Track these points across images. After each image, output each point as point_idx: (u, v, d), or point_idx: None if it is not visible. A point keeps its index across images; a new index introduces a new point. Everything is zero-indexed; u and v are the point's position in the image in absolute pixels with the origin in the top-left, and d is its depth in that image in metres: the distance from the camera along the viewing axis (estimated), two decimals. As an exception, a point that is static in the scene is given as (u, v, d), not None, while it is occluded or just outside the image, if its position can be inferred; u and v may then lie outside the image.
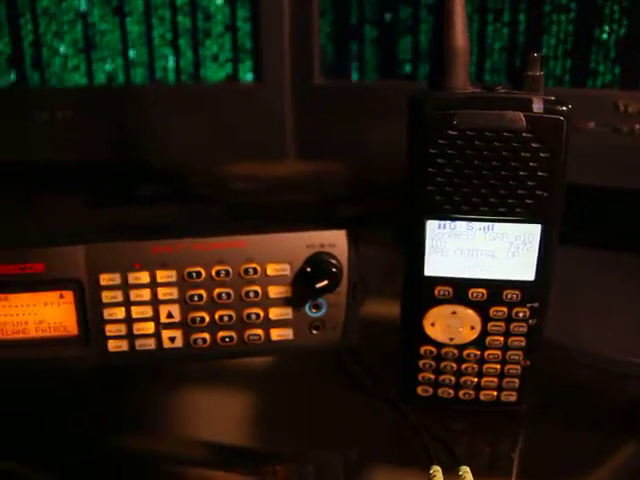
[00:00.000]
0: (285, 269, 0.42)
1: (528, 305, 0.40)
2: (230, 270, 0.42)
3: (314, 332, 0.43)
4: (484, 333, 0.40)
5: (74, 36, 0.60)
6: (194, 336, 0.42)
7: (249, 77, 0.60)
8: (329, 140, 0.61)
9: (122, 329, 0.42)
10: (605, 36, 0.50)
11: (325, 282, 0.41)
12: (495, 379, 0.42)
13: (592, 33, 0.50)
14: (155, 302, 0.42)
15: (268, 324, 0.42)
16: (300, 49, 0.59)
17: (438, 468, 0.37)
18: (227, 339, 0.43)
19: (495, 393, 0.42)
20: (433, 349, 0.41)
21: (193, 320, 0.42)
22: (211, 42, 0.60)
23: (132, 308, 0.42)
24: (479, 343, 0.41)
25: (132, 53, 0.60)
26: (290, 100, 0.60)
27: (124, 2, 0.59)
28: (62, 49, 0.60)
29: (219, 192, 0.70)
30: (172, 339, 0.42)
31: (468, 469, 0.37)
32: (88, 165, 0.62)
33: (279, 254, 0.42)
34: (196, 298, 0.42)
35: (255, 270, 0.42)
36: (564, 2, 0.50)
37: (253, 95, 0.60)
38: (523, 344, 0.40)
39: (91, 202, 0.68)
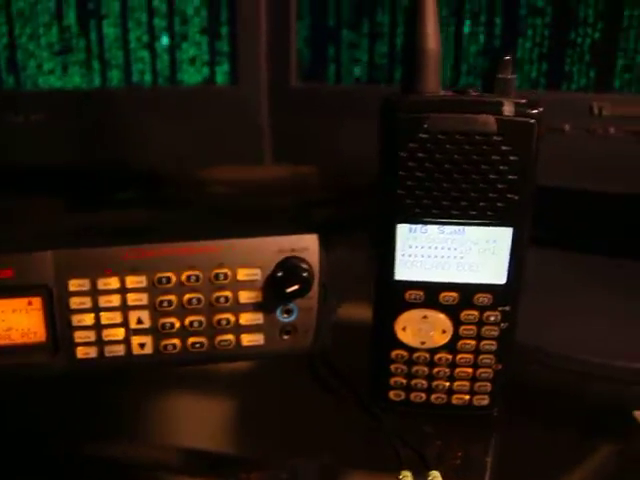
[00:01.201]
0: (256, 274, 0.41)
1: (499, 309, 0.39)
2: (200, 275, 0.41)
3: (285, 337, 0.43)
4: (455, 337, 0.40)
5: (50, 39, 0.59)
6: (164, 342, 0.42)
7: (226, 80, 0.60)
8: (306, 144, 0.60)
9: (91, 336, 0.41)
10: (580, 39, 0.50)
11: (296, 287, 0.40)
12: (467, 383, 0.41)
13: (567, 36, 0.50)
14: (125, 308, 0.41)
15: (239, 329, 0.42)
16: (277, 52, 0.59)
17: (408, 473, 0.37)
18: (197, 345, 0.42)
19: (467, 397, 0.42)
20: (405, 353, 0.41)
21: (163, 326, 0.42)
22: (188, 45, 0.60)
23: (101, 314, 0.41)
24: (451, 347, 0.40)
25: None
26: (267, 103, 0.60)
27: (100, 5, 0.59)
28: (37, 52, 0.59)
29: (196, 196, 0.70)
30: (142, 345, 0.42)
31: (438, 473, 0.37)
32: (63, 169, 0.61)
33: (250, 259, 0.41)
34: (166, 304, 0.41)
35: (226, 275, 0.41)
36: (540, 5, 0.51)
37: (230, 98, 0.60)
38: (495, 348, 0.40)
39: (66, 206, 0.67)
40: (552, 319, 0.51)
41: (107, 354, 0.42)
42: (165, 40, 0.59)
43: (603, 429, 0.42)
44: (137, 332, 0.42)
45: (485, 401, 0.42)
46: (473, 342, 0.40)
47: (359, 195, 0.64)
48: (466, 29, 0.53)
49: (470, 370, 0.41)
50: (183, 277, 0.41)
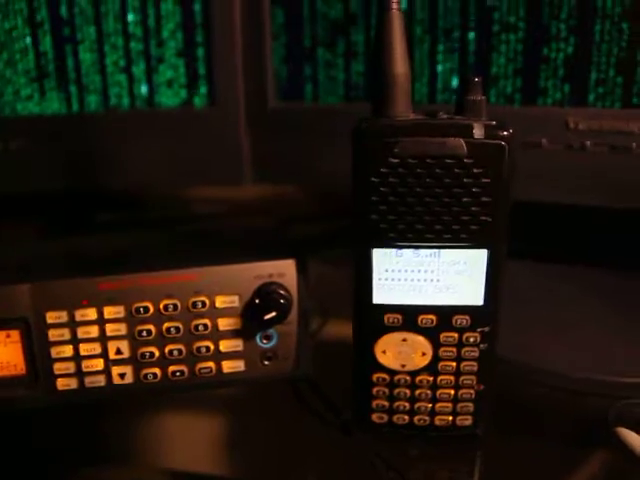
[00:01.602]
0: (234, 301, 0.41)
1: (478, 330, 0.39)
2: (178, 304, 0.41)
3: (266, 363, 0.43)
4: (436, 359, 0.40)
5: (26, 65, 0.59)
6: (144, 371, 0.42)
7: (204, 102, 0.60)
8: (286, 163, 0.60)
9: (70, 367, 0.41)
10: (553, 54, 0.50)
11: (273, 314, 0.40)
12: (449, 404, 0.41)
13: (540, 52, 0.51)
14: (103, 339, 0.41)
15: (219, 357, 0.42)
16: (253, 73, 0.59)
17: (391, 498, 0.37)
18: (178, 373, 0.42)
19: (450, 418, 0.42)
20: (386, 376, 0.41)
21: (143, 355, 0.42)
22: (165, 68, 0.60)
23: (80, 345, 0.41)
24: (431, 369, 0.40)
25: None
26: (245, 124, 0.60)
27: (76, 30, 0.59)
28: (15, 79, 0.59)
29: (176, 218, 0.70)
30: (122, 375, 0.42)
31: (421, 499, 0.37)
32: (43, 195, 0.61)
33: (228, 286, 0.41)
34: (145, 333, 0.41)
35: (204, 303, 0.41)
36: (512, 22, 0.51)
37: (208, 120, 0.60)
38: (475, 369, 0.40)
39: (46, 232, 0.67)
40: (538, 333, 0.51)
41: (87, 385, 0.42)
42: (142, 63, 0.59)
43: (588, 447, 0.42)
44: (117, 362, 0.42)
45: (468, 421, 0.42)
46: (453, 363, 0.40)
47: (340, 213, 0.64)
48: (440, 47, 0.53)
49: (452, 391, 0.41)
50: (161, 306, 0.41)
